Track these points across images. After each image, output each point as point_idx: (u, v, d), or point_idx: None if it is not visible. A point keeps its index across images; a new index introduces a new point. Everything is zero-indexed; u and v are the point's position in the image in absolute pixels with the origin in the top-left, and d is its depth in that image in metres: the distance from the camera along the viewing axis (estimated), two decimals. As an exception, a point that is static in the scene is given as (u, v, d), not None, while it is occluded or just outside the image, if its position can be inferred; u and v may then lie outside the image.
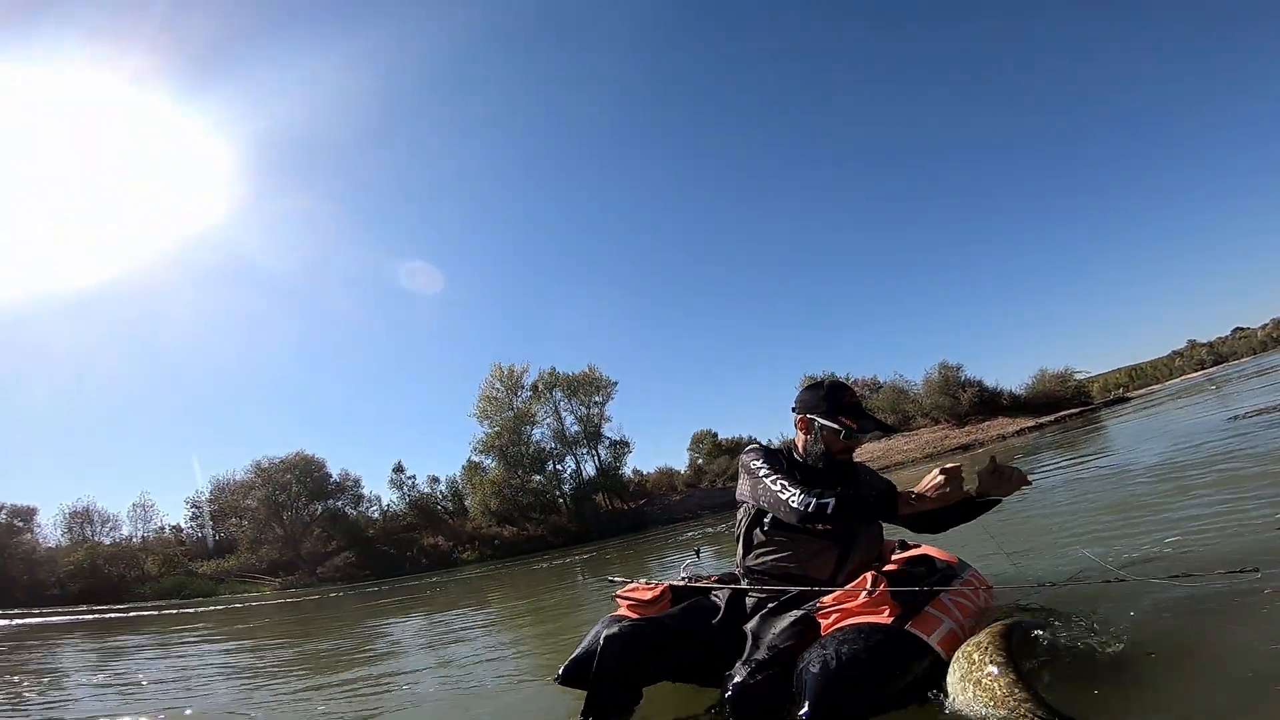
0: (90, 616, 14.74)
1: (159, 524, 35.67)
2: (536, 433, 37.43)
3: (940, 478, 1.85)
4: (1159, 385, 47.02)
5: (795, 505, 1.92)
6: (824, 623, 1.75)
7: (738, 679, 1.67)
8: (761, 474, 2.04)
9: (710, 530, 13.02)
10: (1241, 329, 78.05)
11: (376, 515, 35.48)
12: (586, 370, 38.80)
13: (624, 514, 35.43)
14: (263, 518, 32.43)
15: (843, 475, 2.13)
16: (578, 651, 2.02)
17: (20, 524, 32.83)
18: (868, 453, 32.64)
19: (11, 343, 57.44)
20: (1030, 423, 29.98)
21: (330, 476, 34.51)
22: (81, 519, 33.88)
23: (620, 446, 38.43)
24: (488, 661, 3.34)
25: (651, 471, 41.45)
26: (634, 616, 2.06)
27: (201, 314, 67.85)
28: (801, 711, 1.49)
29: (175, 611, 14.37)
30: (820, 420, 2.10)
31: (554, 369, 38.52)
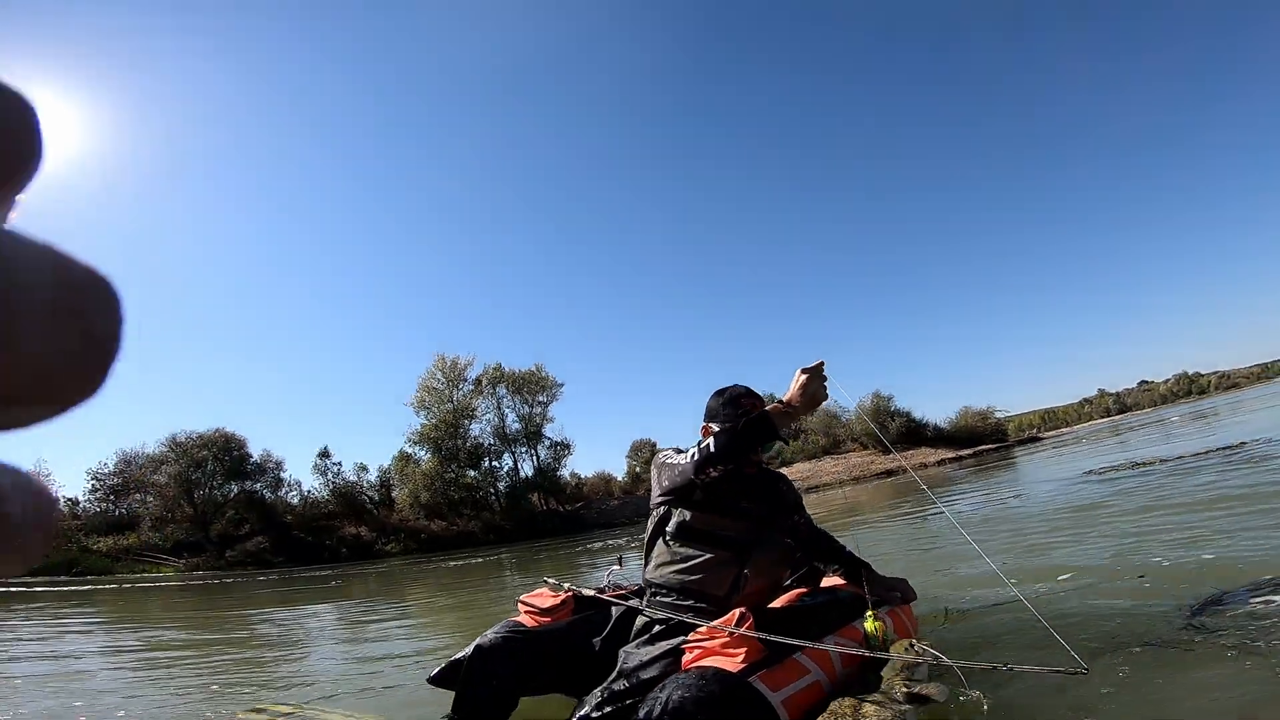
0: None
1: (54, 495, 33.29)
2: (475, 428, 36.78)
3: (803, 378, 1.78)
4: (1068, 429, 50.36)
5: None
6: (687, 657, 1.63)
7: (583, 709, 1.63)
8: (668, 460, 2.00)
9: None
10: (1147, 382, 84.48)
11: (296, 501, 33.54)
12: (533, 369, 38.47)
13: (560, 515, 35.28)
14: (172, 495, 30.12)
15: (753, 484, 2.04)
16: (457, 655, 1.97)
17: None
18: (797, 472, 33.73)
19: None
20: (950, 454, 31.62)
21: (250, 457, 32.52)
22: (-38, 489, 31.16)
23: (561, 448, 38.26)
24: (374, 658, 3.27)
25: (590, 475, 41.46)
26: (528, 624, 2.03)
27: (130, 273, 63.68)
28: None
29: (64, 589, 13.48)
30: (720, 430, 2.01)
31: (500, 365, 38.07)
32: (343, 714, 1.98)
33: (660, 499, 2.06)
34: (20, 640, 5.33)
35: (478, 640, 1.93)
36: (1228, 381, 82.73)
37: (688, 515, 1.99)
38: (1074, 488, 6.16)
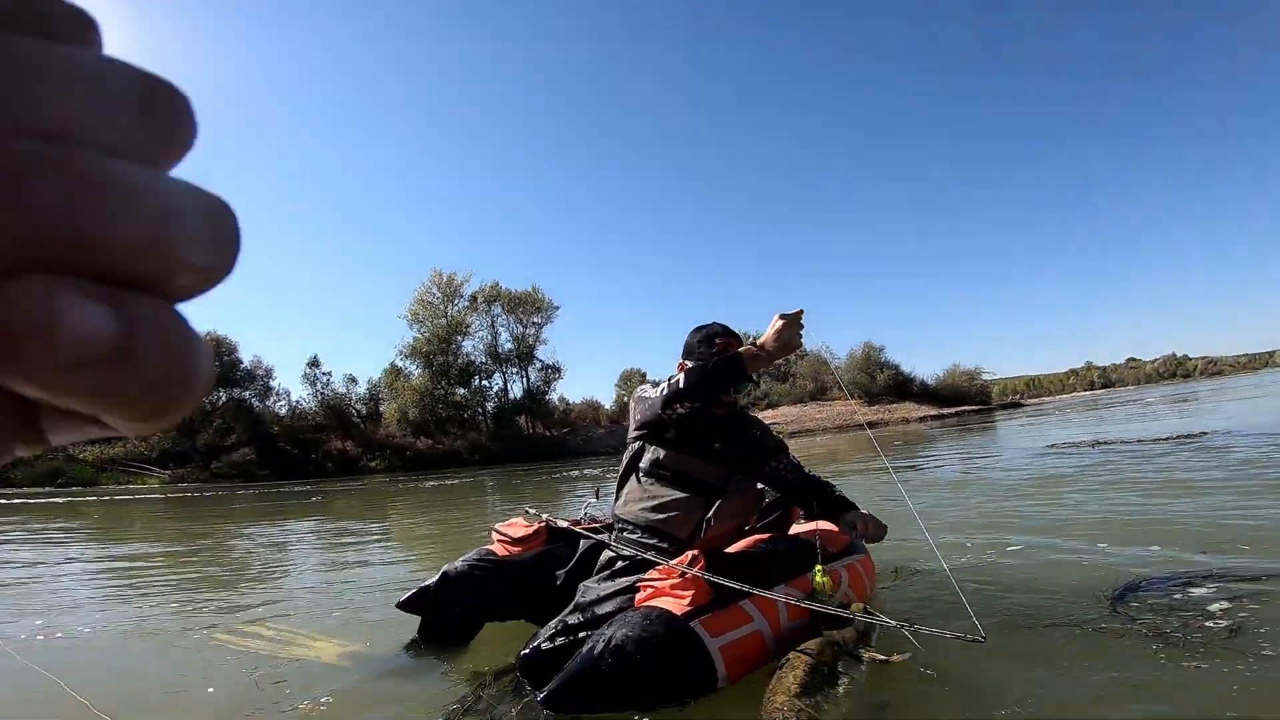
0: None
1: None
2: (468, 345, 36.70)
3: (779, 323, 1.76)
4: (1050, 398, 51.24)
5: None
6: (640, 595, 1.63)
7: (535, 640, 1.64)
8: (643, 394, 1.99)
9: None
10: (1134, 360, 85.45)
11: (285, 411, 33.35)
12: (530, 289, 38.19)
13: (545, 440, 35.83)
14: None
15: (725, 426, 2.01)
16: (426, 581, 2.03)
17: None
18: (783, 416, 34.31)
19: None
20: (933, 411, 32.17)
21: (241, 363, 32.18)
22: (-56, 389, 30.49)
23: (551, 371, 38.43)
24: (348, 580, 3.30)
25: (578, 401, 41.95)
26: (499, 552, 2.08)
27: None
28: (543, 693, 1.42)
29: (46, 501, 13.47)
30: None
31: (497, 283, 37.70)
32: (312, 636, 2.06)
33: (635, 434, 2.06)
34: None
35: (445, 568, 1.99)
36: (1214, 368, 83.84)
37: (661, 454, 2.00)
38: (1038, 460, 6.29)
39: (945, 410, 32.33)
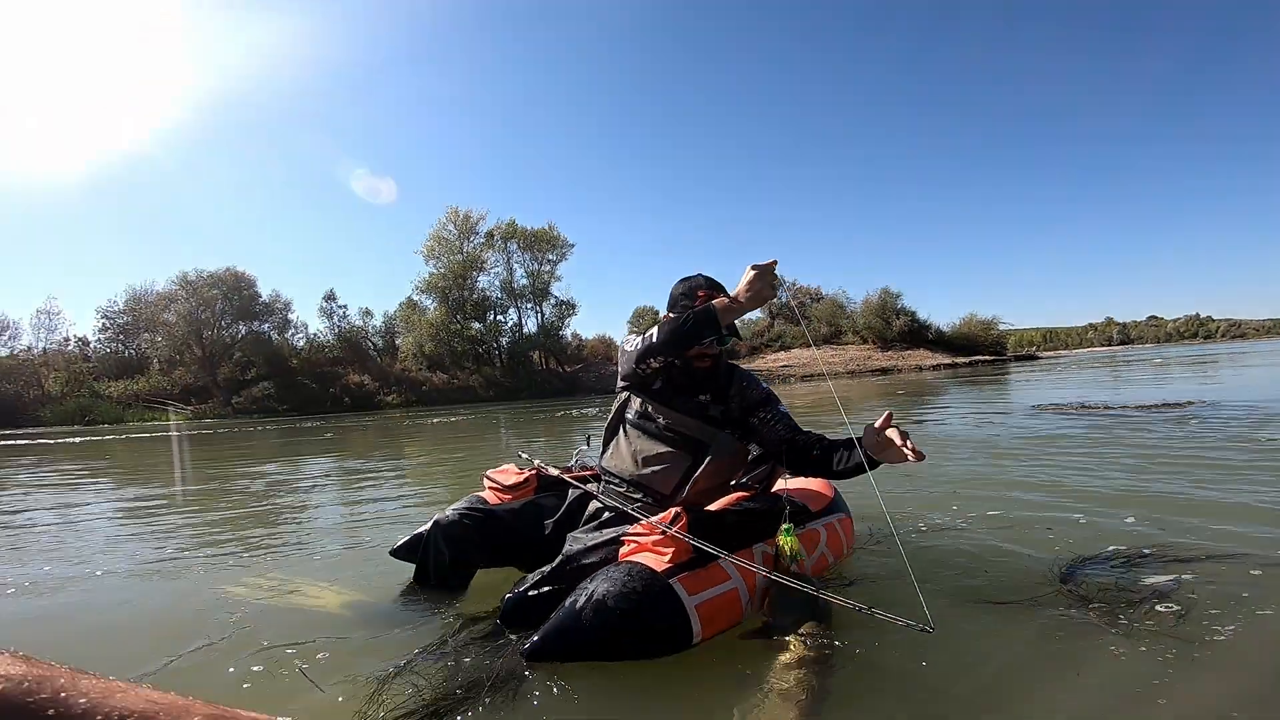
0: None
1: (65, 334, 31.91)
2: (483, 280, 37.03)
3: (751, 274, 1.74)
4: (1067, 352, 50.73)
5: (632, 347, 1.92)
6: (623, 549, 1.65)
7: (520, 588, 1.67)
8: (625, 346, 1.99)
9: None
10: (1156, 318, 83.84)
11: (302, 344, 33.87)
12: (546, 227, 38.03)
13: (559, 376, 36.31)
14: (181, 335, 29.91)
15: (708, 380, 2.01)
16: (419, 529, 2.06)
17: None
18: (794, 358, 34.37)
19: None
20: (947, 360, 32.05)
21: (259, 296, 32.41)
22: (-24, 325, 29.54)
23: (565, 307, 38.69)
24: (354, 524, 3.38)
25: (590, 338, 42.22)
26: (490, 499, 2.11)
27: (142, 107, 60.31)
28: (526, 645, 1.47)
29: (81, 441, 13.69)
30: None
31: (514, 220, 37.62)
32: (315, 584, 2.17)
33: (622, 385, 2.08)
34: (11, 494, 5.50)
35: (436, 516, 2.04)
36: (1236, 330, 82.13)
37: (648, 406, 2.01)
38: (1019, 422, 6.28)
39: (959, 359, 32.19)
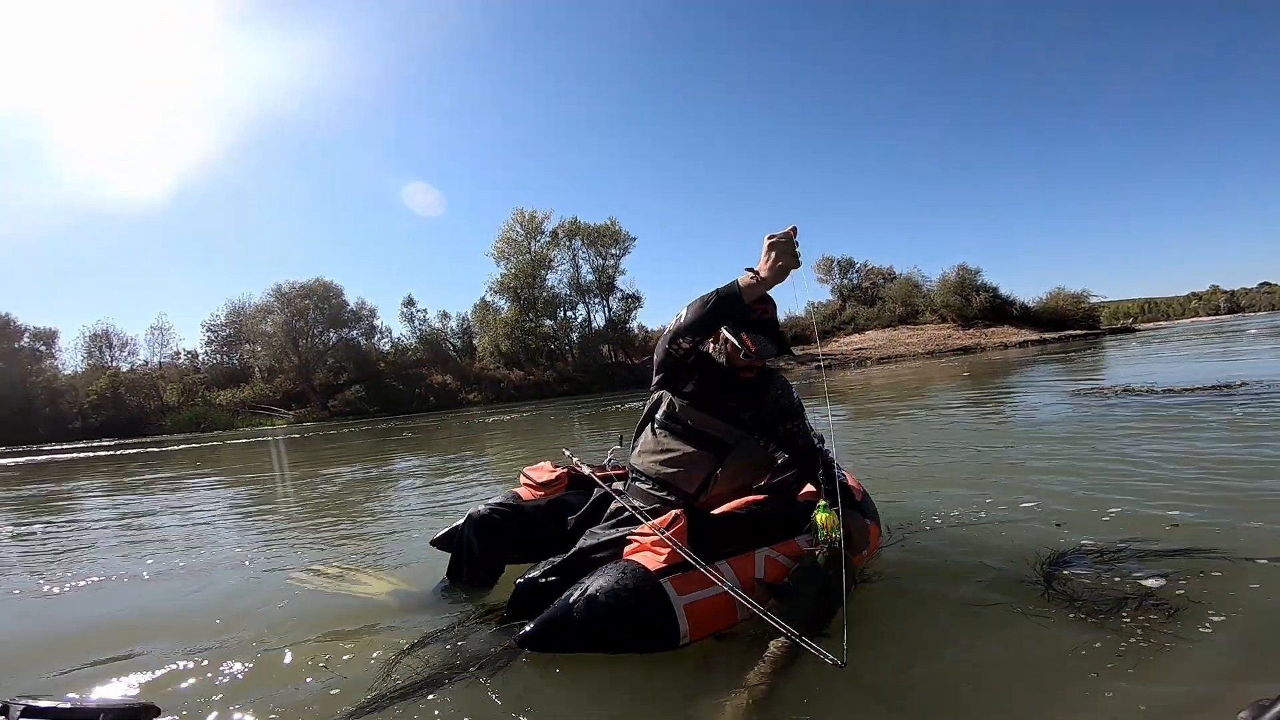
0: (114, 451, 15.40)
1: (175, 348, 34.90)
2: (552, 278, 37.95)
3: (768, 247, 1.69)
4: (1168, 322, 47.00)
5: (669, 327, 1.95)
6: (628, 547, 1.70)
7: (529, 575, 1.76)
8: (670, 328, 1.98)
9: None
10: (1270, 284, 76.08)
11: (388, 348, 35.69)
12: (608, 222, 38.60)
13: (627, 368, 36.75)
14: (280, 344, 32.09)
15: (748, 388, 2.02)
16: (456, 523, 2.18)
17: (42, 348, 32.09)
18: (871, 340, 33.49)
19: (20, 150, 53.73)
20: (1034, 336, 30.43)
21: (347, 304, 34.45)
22: (101, 342, 33.00)
23: (631, 300, 39.17)
24: (417, 517, 3.80)
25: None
26: (523, 495, 2.20)
27: (219, 129, 64.70)
28: (521, 632, 1.58)
29: (198, 446, 15.27)
30: (726, 332, 1.97)
31: (576, 218, 38.38)
32: (372, 575, 2.41)
33: (656, 379, 2.09)
34: (127, 495, 6.36)
35: (470, 511, 2.15)
36: (1365, 295, 73.65)
37: (677, 406, 2.03)
38: (1049, 409, 6.09)
39: (1047, 335, 30.51)
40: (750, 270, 1.75)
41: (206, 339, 34.92)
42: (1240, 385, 6.04)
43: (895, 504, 2.92)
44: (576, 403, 20.89)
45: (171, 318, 38.82)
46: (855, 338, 34.79)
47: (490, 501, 2.16)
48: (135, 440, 21.94)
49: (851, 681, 1.39)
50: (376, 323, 35.86)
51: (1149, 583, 1.78)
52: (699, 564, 1.56)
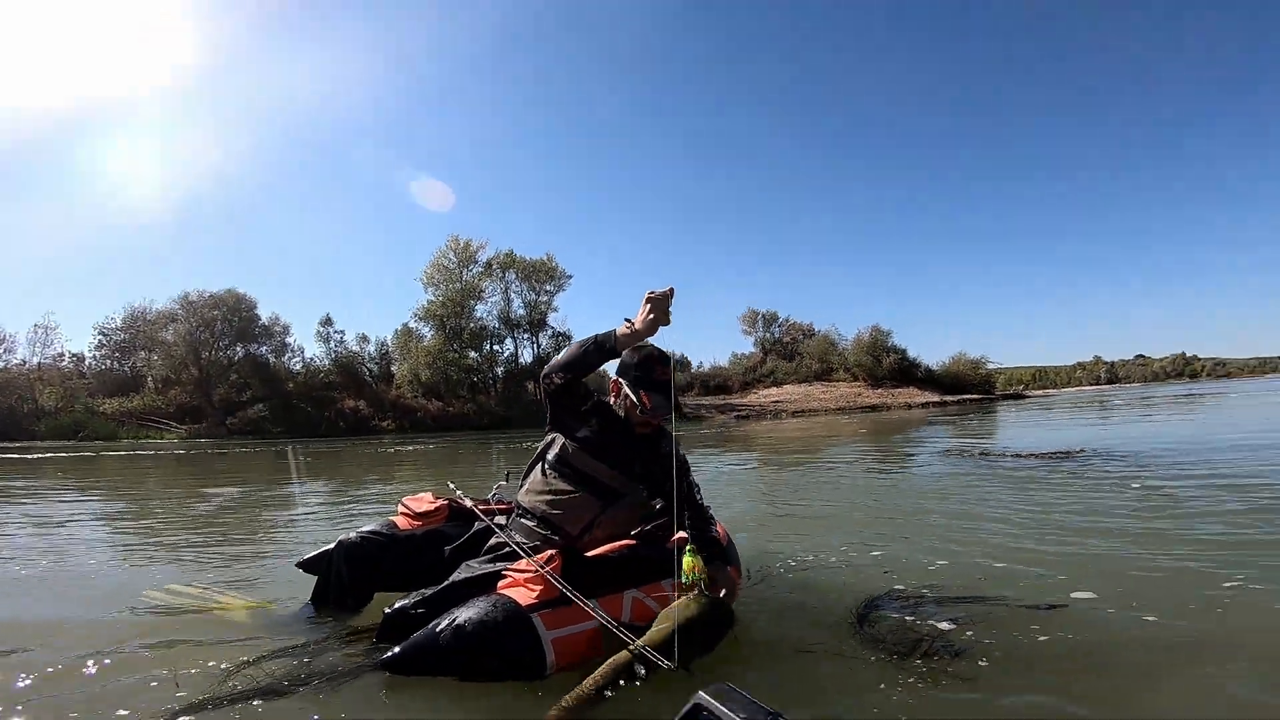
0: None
1: (59, 349, 32.14)
2: (481, 309, 37.38)
3: (646, 304, 1.82)
4: (1055, 390, 51.62)
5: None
6: (502, 581, 1.75)
7: (399, 604, 1.77)
8: None
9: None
10: (1144, 357, 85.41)
11: (299, 368, 34.04)
12: (544, 258, 38.61)
13: (551, 407, 36.40)
14: (179, 355, 30.10)
15: (642, 442, 2.10)
16: (325, 547, 2.17)
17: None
18: (788, 394, 34.79)
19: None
20: (935, 398, 32.52)
21: (259, 319, 32.75)
22: (-30, 336, 29.69)
23: (562, 338, 38.94)
24: (281, 539, 3.80)
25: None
26: (400, 524, 2.20)
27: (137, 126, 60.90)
28: (385, 656, 1.61)
29: (69, 456, 14.13)
30: (627, 388, 2.07)
31: (512, 251, 38.16)
32: (231, 595, 2.36)
33: (550, 425, 2.15)
34: None
35: (340, 537, 2.14)
36: (1222, 369, 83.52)
37: (569, 449, 2.07)
38: (920, 467, 6.70)
39: (948, 398, 32.69)
40: (628, 321, 1.87)
41: (97, 342, 32.19)
42: (1079, 452, 6.75)
43: (763, 546, 3.16)
44: (496, 437, 20.53)
45: (60, 318, 35.47)
46: (773, 390, 36.07)
47: (363, 529, 2.17)
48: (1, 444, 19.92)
49: (683, 683, 1.50)
50: (289, 340, 34.25)
51: (943, 625, 2.02)
52: (576, 596, 1.63)
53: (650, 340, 1.96)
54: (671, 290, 1.83)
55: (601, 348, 1.93)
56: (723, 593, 1.93)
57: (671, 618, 1.62)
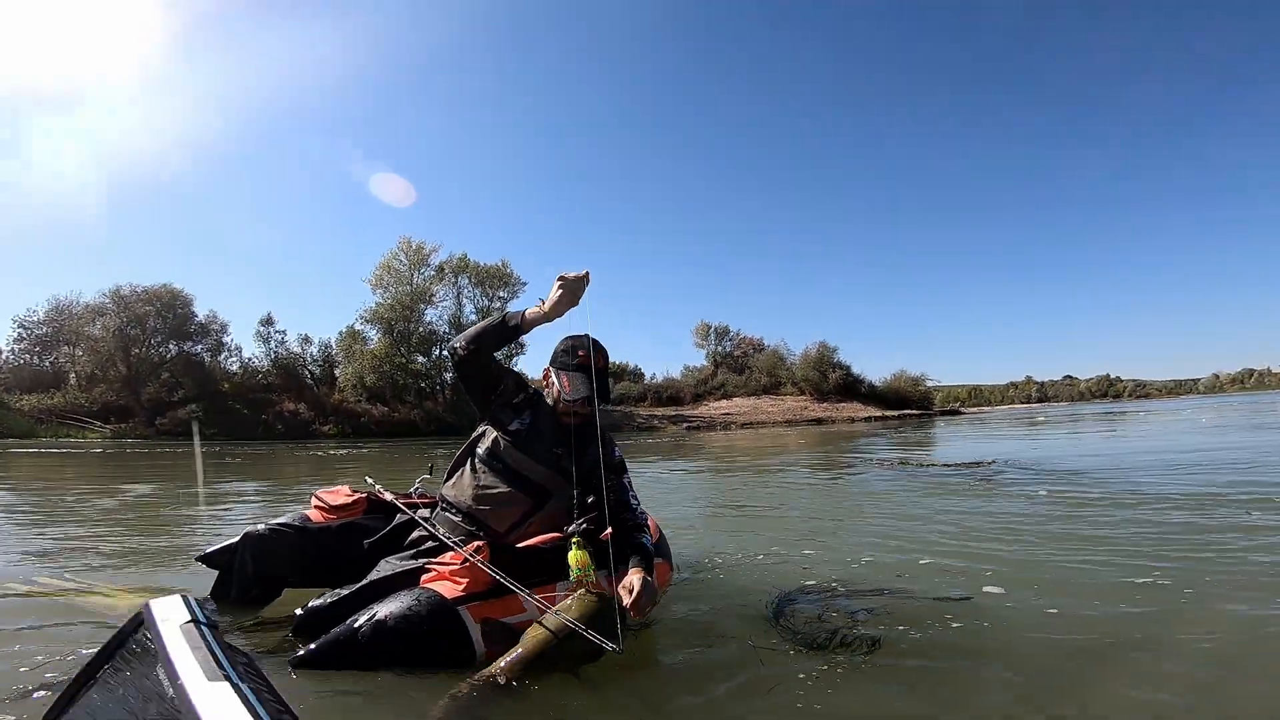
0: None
1: None
2: (431, 314, 36.60)
3: (556, 285, 1.83)
4: (989, 408, 54.19)
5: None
6: (425, 575, 1.68)
7: (314, 603, 1.69)
8: None
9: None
10: (1071, 378, 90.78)
11: (236, 368, 32.73)
12: (499, 264, 38.15)
13: (502, 413, 35.96)
14: (106, 351, 28.46)
15: (576, 436, 2.03)
16: (232, 539, 2.04)
17: None
18: (738, 406, 35.32)
19: None
20: (878, 413, 33.63)
21: (195, 316, 31.29)
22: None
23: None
24: (192, 536, 3.62)
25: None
26: (314, 518, 2.07)
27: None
28: (300, 652, 1.52)
29: None
30: (553, 375, 2.06)
31: (465, 255, 37.55)
32: (113, 588, 2.20)
33: (482, 417, 2.11)
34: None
35: (247, 529, 2.01)
36: (1142, 390, 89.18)
37: (501, 444, 2.01)
38: (849, 475, 7.02)
39: (889, 413, 33.83)
40: (541, 301, 1.90)
41: (16, 335, 30.07)
42: (990, 463, 7.11)
43: (700, 543, 3.23)
44: (441, 443, 20.13)
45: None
46: (724, 403, 36.56)
47: (272, 522, 2.04)
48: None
49: (628, 670, 1.56)
50: (226, 339, 32.78)
51: (860, 617, 2.07)
52: (510, 582, 1.59)
53: (579, 335, 2.00)
54: (586, 274, 1.83)
55: (505, 324, 1.93)
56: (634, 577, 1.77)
57: (568, 610, 1.57)
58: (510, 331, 1.94)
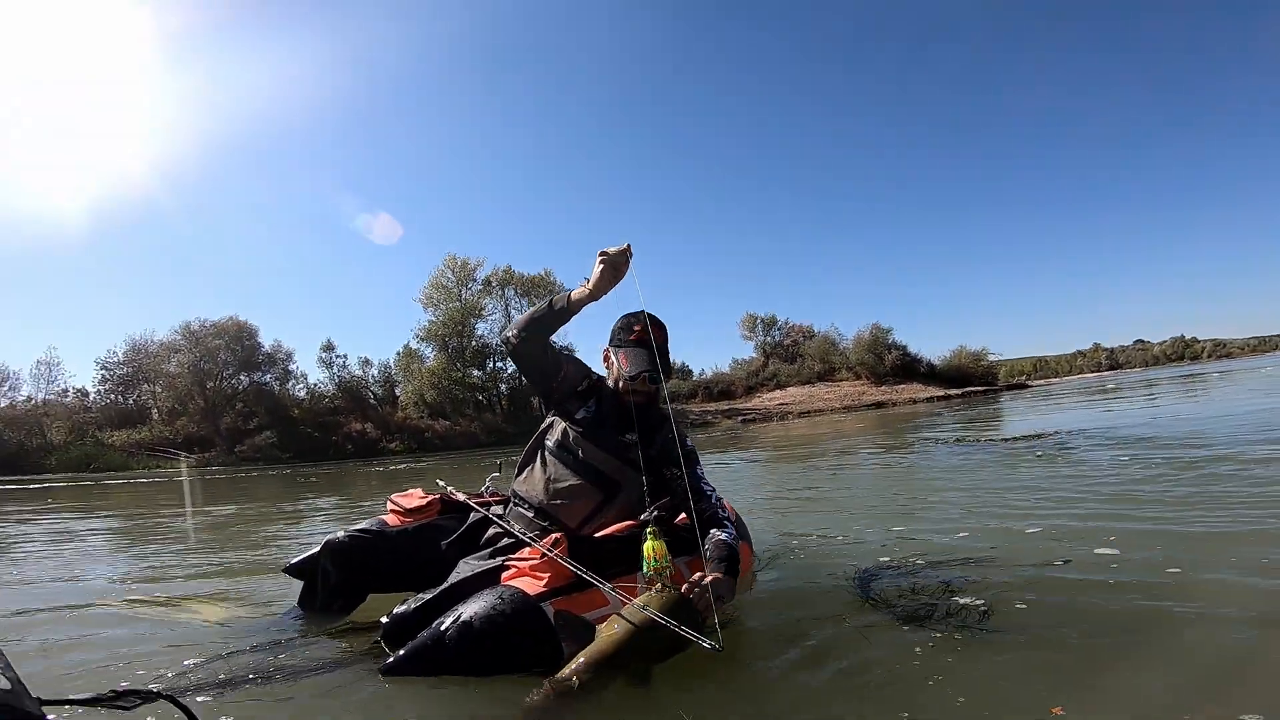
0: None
1: (63, 385, 31.75)
2: (482, 327, 37.35)
3: (598, 263, 1.79)
4: (1057, 379, 51.65)
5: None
6: (506, 573, 1.66)
7: (401, 608, 1.67)
8: None
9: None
10: (1143, 342, 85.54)
11: (303, 395, 33.86)
12: (542, 273, 38.72)
13: (557, 421, 36.42)
14: (185, 386, 29.85)
15: (641, 419, 1.96)
16: (314, 549, 2.03)
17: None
18: (792, 396, 34.76)
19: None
20: (940, 392, 32.43)
21: (261, 347, 32.60)
22: (-23, 377, 29.40)
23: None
24: (272, 548, 3.74)
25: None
26: (391, 522, 2.07)
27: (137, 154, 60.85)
28: (388, 661, 1.51)
29: (90, 484, 14.26)
30: (612, 354, 2.03)
31: (510, 267, 38.26)
32: (207, 602, 2.27)
33: (548, 408, 2.11)
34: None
35: (327, 538, 2.00)
36: (1222, 350, 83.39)
37: (570, 435, 1.99)
38: (899, 456, 6.89)
39: (951, 391, 32.64)
40: (585, 280, 1.85)
41: (101, 377, 31.94)
42: (1052, 435, 6.83)
43: (776, 528, 3.19)
44: (503, 452, 20.57)
45: (62, 352, 35.52)
46: (778, 393, 35.99)
47: (351, 528, 2.03)
48: (13, 478, 19.74)
49: (729, 663, 1.52)
50: (292, 368, 34.07)
51: (959, 590, 1.99)
52: (593, 577, 1.56)
53: (636, 311, 1.96)
54: (627, 247, 1.80)
55: (553, 307, 1.90)
56: (709, 578, 1.65)
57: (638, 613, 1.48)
58: (558, 315, 1.90)
